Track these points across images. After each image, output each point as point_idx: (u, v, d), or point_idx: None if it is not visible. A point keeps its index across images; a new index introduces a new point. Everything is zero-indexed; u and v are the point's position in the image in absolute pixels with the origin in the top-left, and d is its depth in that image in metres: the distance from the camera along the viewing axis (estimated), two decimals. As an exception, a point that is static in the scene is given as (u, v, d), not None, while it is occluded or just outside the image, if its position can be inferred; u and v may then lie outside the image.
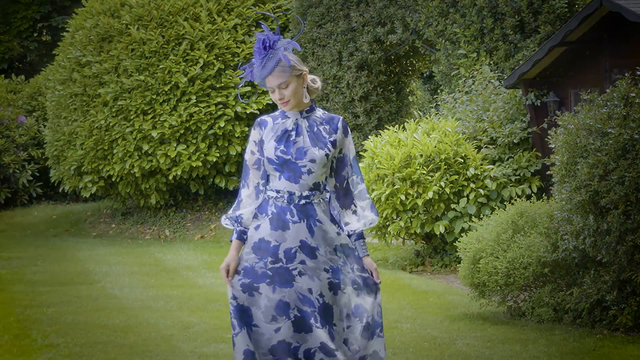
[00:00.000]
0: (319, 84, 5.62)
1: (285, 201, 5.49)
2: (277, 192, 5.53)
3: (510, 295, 9.96)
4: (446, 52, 16.48)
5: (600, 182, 8.55)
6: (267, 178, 5.61)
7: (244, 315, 5.42)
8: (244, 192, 5.66)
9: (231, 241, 5.59)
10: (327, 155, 5.49)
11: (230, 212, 5.65)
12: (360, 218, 5.63)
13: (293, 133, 5.52)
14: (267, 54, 5.44)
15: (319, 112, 5.62)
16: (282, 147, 5.48)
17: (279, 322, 5.41)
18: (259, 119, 5.66)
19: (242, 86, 6.57)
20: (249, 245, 5.53)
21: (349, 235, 5.60)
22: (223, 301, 11.36)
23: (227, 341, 9.01)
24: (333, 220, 5.57)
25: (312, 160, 5.46)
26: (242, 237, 5.58)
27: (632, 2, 12.18)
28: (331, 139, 5.54)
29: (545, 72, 13.70)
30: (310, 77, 5.58)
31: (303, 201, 5.49)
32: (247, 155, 5.65)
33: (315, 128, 5.55)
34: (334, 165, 5.59)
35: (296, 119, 5.57)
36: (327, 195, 5.59)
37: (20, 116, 24.56)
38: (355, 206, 5.64)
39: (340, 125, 5.59)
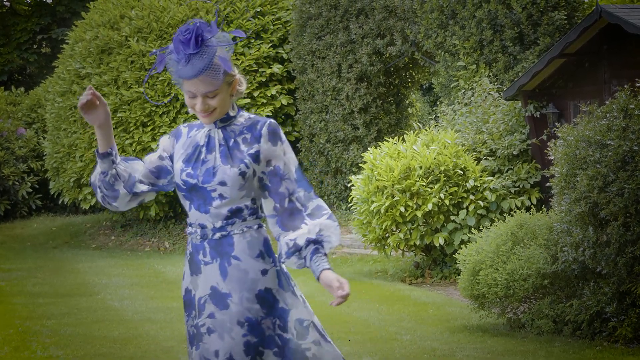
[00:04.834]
0: (244, 86, 4.39)
1: (199, 237, 4.30)
2: (191, 225, 4.35)
3: (509, 307, 9.96)
4: (445, 63, 16.51)
5: (600, 193, 8.55)
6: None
7: None
8: None
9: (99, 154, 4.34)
10: (243, 173, 4.22)
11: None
12: (311, 227, 4.25)
13: (204, 149, 4.32)
14: (198, 50, 4.16)
15: (242, 118, 4.35)
16: (189, 170, 4.29)
17: None
18: (176, 128, 4.51)
19: (149, 76, 4.96)
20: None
21: (304, 258, 4.26)
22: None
23: (226, 353, 9.00)
24: (262, 256, 4.30)
25: (222, 183, 4.22)
26: (111, 155, 4.34)
27: (631, 14, 12.21)
28: (251, 151, 4.26)
29: (544, 84, 13.72)
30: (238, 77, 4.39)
31: (218, 234, 4.26)
32: (147, 156, 4.49)
33: (232, 140, 4.30)
34: (266, 182, 4.29)
35: (209, 131, 4.35)
36: (257, 222, 4.34)
37: (19, 128, 24.59)
38: (307, 225, 4.27)
39: (264, 131, 4.28)
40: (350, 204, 14.99)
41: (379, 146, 14.63)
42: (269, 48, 19.81)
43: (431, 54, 17.70)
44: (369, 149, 14.86)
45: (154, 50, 4.34)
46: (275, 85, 19.87)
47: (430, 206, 13.18)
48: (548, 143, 10.00)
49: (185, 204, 4.35)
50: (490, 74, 15.58)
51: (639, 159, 8.43)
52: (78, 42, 20.55)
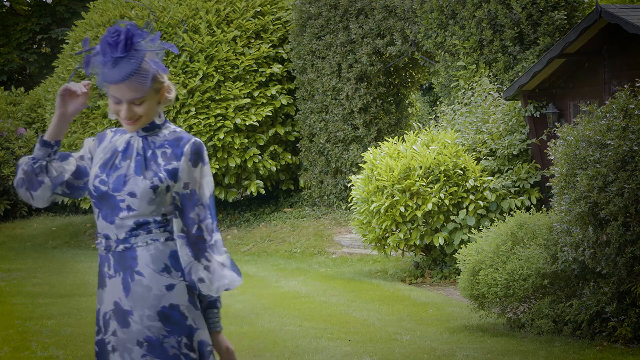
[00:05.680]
0: (173, 93, 4.18)
1: (103, 248, 4.06)
2: (97, 236, 4.12)
3: (509, 306, 9.95)
4: (445, 63, 16.51)
5: (600, 193, 8.55)
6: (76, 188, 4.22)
7: None
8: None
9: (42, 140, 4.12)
10: (154, 187, 3.98)
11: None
12: (215, 279, 4.03)
13: (120, 155, 4.09)
14: (126, 54, 3.94)
15: (167, 130, 4.12)
16: (102, 176, 4.06)
17: None
18: (103, 131, 4.33)
19: (74, 75, 4.40)
20: None
21: (200, 300, 4.08)
22: (222, 313, 11.33)
23: (226, 353, 9.01)
24: (167, 270, 4.01)
25: (132, 194, 3.98)
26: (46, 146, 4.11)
27: (631, 14, 12.21)
28: (168, 167, 4.03)
29: (544, 84, 13.72)
30: (167, 83, 4.16)
31: (121, 246, 4.02)
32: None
33: (150, 151, 4.07)
34: (180, 202, 4.06)
35: (130, 137, 4.12)
36: (165, 235, 4.04)
37: (19, 128, 24.59)
38: (209, 260, 4.04)
39: (186, 149, 4.05)
40: (350, 204, 14.99)
41: (379, 146, 14.62)
42: (269, 48, 19.81)
43: (431, 54, 17.70)
44: (368, 149, 14.86)
45: (81, 50, 4.03)
46: (275, 85, 19.87)
47: (430, 206, 13.18)
48: (548, 143, 10.00)
49: (95, 212, 4.09)
50: (490, 74, 15.58)
51: (639, 159, 8.43)
52: (78, 42, 20.55)
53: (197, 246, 4.02)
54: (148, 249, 3.99)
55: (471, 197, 13.40)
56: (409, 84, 20.52)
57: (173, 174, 4.01)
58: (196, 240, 4.02)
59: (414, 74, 20.49)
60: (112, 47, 3.92)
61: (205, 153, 4.09)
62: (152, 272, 3.97)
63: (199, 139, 4.06)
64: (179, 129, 4.12)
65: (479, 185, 13.48)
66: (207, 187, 4.08)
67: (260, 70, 19.63)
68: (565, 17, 15.37)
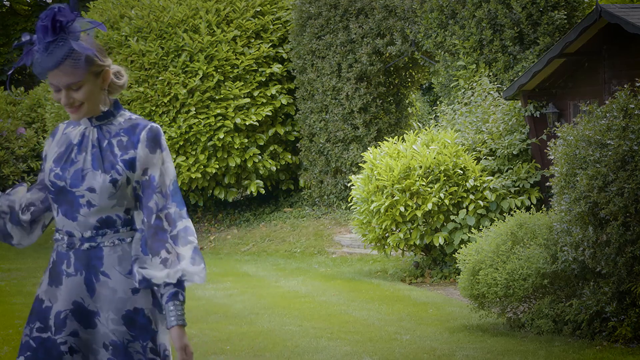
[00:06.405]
0: (124, 79, 3.97)
1: (65, 245, 3.86)
2: (57, 232, 3.92)
3: (509, 306, 9.95)
4: (445, 63, 16.51)
5: (600, 193, 8.55)
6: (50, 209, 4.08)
7: None
8: None
9: None
10: (114, 181, 3.80)
11: None
12: (170, 266, 3.80)
13: (75, 149, 3.89)
14: (56, 38, 3.72)
15: (122, 118, 3.93)
16: (57, 170, 3.86)
17: None
18: (56, 126, 4.10)
19: (15, 68, 4.20)
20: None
21: (161, 295, 3.82)
22: (222, 313, 11.35)
23: (226, 353, 9.00)
24: (133, 273, 3.85)
25: (91, 189, 3.79)
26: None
27: (631, 14, 12.21)
28: (125, 157, 3.84)
29: (544, 84, 13.72)
30: (114, 68, 3.96)
31: (86, 245, 3.83)
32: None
33: (106, 142, 3.87)
34: (139, 192, 3.87)
35: (84, 129, 3.92)
36: (131, 235, 3.88)
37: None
38: (169, 252, 3.81)
39: (143, 136, 3.85)
40: (350, 204, 14.98)
41: (379, 146, 14.62)
42: (268, 48, 19.81)
43: (431, 54, 17.70)
44: (368, 148, 14.85)
45: (21, 42, 3.83)
46: (275, 85, 19.87)
47: (430, 206, 13.18)
48: (548, 143, 10.00)
49: (54, 207, 3.92)
50: (490, 74, 15.58)
51: (639, 159, 8.43)
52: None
53: (157, 237, 3.81)
54: (115, 249, 3.83)
55: (471, 196, 13.40)
56: (409, 84, 20.51)
57: (130, 164, 3.83)
58: (156, 231, 3.82)
59: (414, 73, 20.49)
60: (43, 32, 3.74)
61: (163, 139, 3.91)
62: (119, 275, 3.82)
63: (156, 125, 3.90)
64: (135, 116, 3.94)
65: (479, 185, 13.47)
66: (167, 174, 3.88)
67: (260, 70, 19.62)
68: (565, 17, 15.37)
